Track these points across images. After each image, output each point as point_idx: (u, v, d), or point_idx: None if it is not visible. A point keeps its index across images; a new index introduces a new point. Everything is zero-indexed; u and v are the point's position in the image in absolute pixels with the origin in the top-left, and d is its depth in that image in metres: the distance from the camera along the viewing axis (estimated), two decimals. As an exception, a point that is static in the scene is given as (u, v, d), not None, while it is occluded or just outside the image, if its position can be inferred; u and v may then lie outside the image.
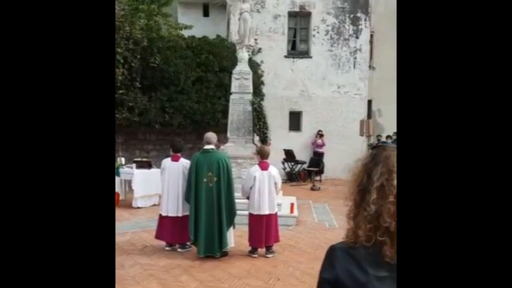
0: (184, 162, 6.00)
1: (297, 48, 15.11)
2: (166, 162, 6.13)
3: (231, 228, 5.70)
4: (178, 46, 12.25)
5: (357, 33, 14.80)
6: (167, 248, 6.00)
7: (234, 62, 11.10)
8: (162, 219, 6.02)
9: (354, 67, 14.79)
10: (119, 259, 5.37)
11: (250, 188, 5.75)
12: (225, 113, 10.89)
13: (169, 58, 11.85)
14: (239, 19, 9.29)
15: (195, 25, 14.73)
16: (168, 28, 13.21)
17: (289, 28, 14.88)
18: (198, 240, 5.55)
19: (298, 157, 13.52)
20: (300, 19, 14.99)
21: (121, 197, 9.12)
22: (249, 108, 8.61)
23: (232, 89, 8.71)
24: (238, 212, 5.86)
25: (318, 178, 13.05)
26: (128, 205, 8.80)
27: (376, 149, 1.32)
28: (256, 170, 5.80)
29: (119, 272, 4.79)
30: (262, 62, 14.05)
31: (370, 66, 15.46)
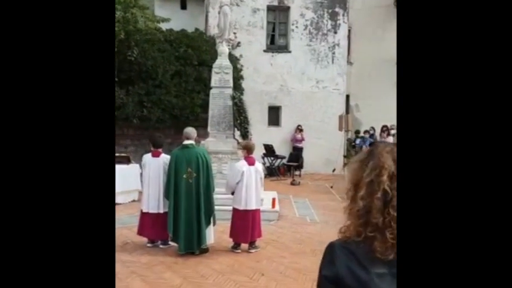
0: (165, 158, 5.91)
1: (276, 42, 15.10)
2: (147, 158, 6.03)
3: (211, 225, 5.64)
4: (156, 39, 12.04)
5: (335, 28, 14.90)
6: (149, 245, 5.92)
7: (213, 55, 10.99)
8: (143, 215, 5.93)
9: (333, 62, 14.90)
10: (99, 257, 5.25)
11: (237, 183, 5.71)
12: (204, 107, 10.79)
13: (147, 51, 11.63)
14: (219, 12, 9.20)
15: (172, 18, 14.47)
16: (145, 21, 12.93)
17: (268, 22, 14.84)
18: (178, 237, 5.48)
19: (277, 152, 13.56)
20: (278, 13, 14.97)
21: (99, 193, 8.90)
22: (230, 102, 8.55)
23: (213, 83, 8.62)
24: (219, 208, 5.82)
25: (297, 173, 13.14)
26: (106, 201, 8.60)
27: (372, 145, 1.35)
28: (243, 165, 5.77)
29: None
30: (241, 56, 13.98)
31: (348, 62, 15.61)
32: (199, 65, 12.20)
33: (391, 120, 14.64)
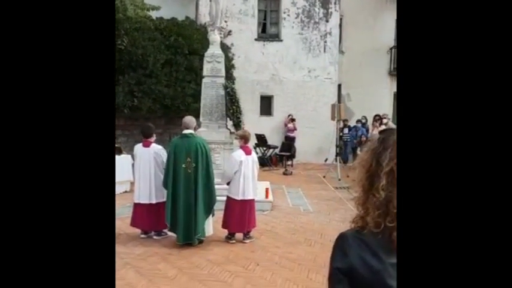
0: (156, 148, 5.83)
1: (268, 31, 14.97)
2: (138, 148, 5.95)
3: (210, 216, 5.60)
4: (146, 28, 11.81)
5: (327, 17, 14.81)
6: (142, 236, 5.86)
7: (204, 44, 10.83)
8: (135, 206, 5.87)
9: (324, 51, 14.83)
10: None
11: (235, 173, 5.66)
12: (195, 97, 10.67)
13: (137, 40, 11.42)
14: (210, 0, 9.05)
15: (162, 6, 14.23)
16: (135, 9, 12.70)
17: (259, 10, 14.69)
18: (176, 227, 5.43)
19: (269, 142, 13.52)
20: (270, 1, 14.82)
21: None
22: (222, 92, 8.47)
23: (204, 73, 8.51)
24: (212, 198, 5.77)
25: (289, 163, 13.13)
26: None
27: (385, 133, 1.28)
28: (241, 154, 5.71)
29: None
30: (232, 45, 13.84)
31: (339, 51, 15.55)
32: (190, 54, 12.03)
33: (383, 109, 14.71)
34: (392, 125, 10.90)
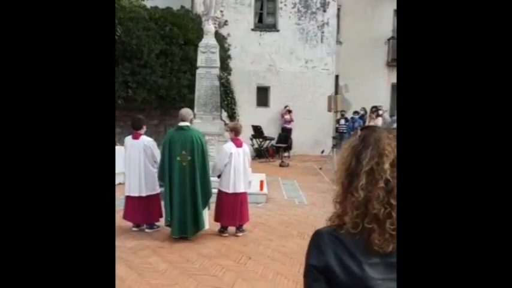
0: (146, 140, 5.75)
1: (264, 21, 14.79)
2: (128, 140, 5.87)
3: (206, 209, 5.53)
4: (141, 17, 11.64)
5: (324, 7, 14.63)
6: (134, 229, 5.81)
7: (199, 34, 10.68)
8: (127, 199, 5.81)
9: (322, 41, 14.68)
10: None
11: (225, 165, 5.59)
12: (191, 88, 10.55)
13: (132, 30, 11.26)
14: (205, -11, 8.89)
15: (157, -5, 14.07)
16: (129, -2, 12.52)
17: (256, 0, 14.49)
18: (172, 220, 5.37)
19: (266, 133, 13.44)
20: (266, -10, 14.63)
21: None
22: (216, 83, 8.37)
23: (199, 63, 8.40)
24: (206, 191, 5.70)
25: (286, 154, 13.06)
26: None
27: (366, 130, 1.22)
28: (231, 146, 5.63)
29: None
30: (228, 35, 13.67)
31: (337, 41, 15.40)
32: (186, 44, 11.89)
33: (381, 100, 14.61)
34: (387, 117, 10.84)
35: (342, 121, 13.46)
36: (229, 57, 13.08)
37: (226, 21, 13.83)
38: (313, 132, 14.07)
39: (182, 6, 13.31)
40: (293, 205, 7.48)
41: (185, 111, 5.56)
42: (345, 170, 1.17)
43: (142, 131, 5.87)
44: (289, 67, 14.53)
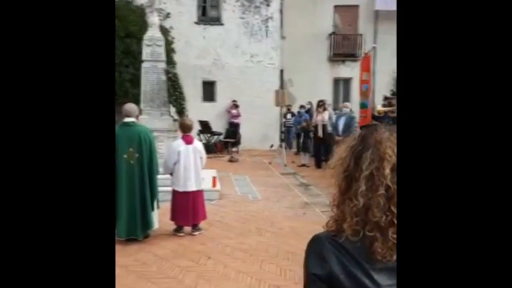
0: None
1: (208, 14, 14.53)
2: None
3: (156, 208, 5.29)
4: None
5: (267, 1, 14.66)
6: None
7: (141, 26, 10.23)
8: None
9: (267, 36, 14.71)
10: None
11: (174, 163, 5.37)
12: (133, 82, 10.09)
13: (67, 21, 10.53)
14: (147, -21, 8.52)
15: (94, -15, 13.30)
16: (63, -14, 11.69)
17: (198, -8, 14.20)
18: (118, 221, 5.05)
19: (213, 128, 13.25)
20: (209, -17, 14.38)
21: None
22: (163, 77, 8.05)
23: (144, 57, 8.03)
24: (160, 189, 5.45)
25: (235, 149, 12.97)
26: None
27: (366, 129, 1.13)
28: (180, 144, 5.42)
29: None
30: (171, 28, 13.25)
31: (281, 36, 15.50)
32: (127, 36, 11.34)
33: (324, 95, 14.93)
34: (332, 112, 11.08)
35: (289, 116, 13.59)
36: (173, 50, 12.69)
37: (168, 13, 13.39)
38: (261, 126, 14.09)
39: (122, -3, 12.68)
40: (247, 201, 7.40)
41: (130, 106, 5.28)
42: (343, 172, 1.08)
43: None
44: (235, 61, 14.41)
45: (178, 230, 5.49)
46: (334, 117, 10.44)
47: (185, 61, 13.26)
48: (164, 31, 11.84)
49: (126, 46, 11.28)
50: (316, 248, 1.08)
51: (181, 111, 8.31)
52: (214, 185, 7.42)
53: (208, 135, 13.04)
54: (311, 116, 11.99)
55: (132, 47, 10.97)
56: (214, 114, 13.95)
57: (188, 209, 5.41)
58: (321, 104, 10.38)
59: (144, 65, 8.01)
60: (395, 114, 6.47)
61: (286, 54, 15.89)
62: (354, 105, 10.41)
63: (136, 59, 10.35)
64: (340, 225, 1.06)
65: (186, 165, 5.37)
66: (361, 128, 1.18)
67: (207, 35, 14.17)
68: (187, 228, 5.53)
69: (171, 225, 5.55)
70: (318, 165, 10.65)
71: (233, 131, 13.51)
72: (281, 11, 15.44)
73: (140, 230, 5.11)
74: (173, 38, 13.10)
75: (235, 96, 14.17)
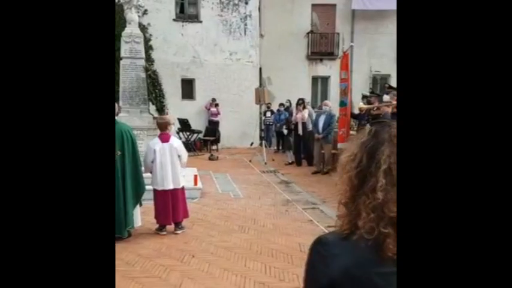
0: None
1: (186, 11, 14.40)
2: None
3: (138, 206, 5.23)
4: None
5: (246, -1, 14.64)
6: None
7: (118, 23, 10.04)
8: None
9: (245, 34, 14.69)
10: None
11: (152, 162, 5.33)
12: (112, 80, 9.89)
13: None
14: (125, -25, 8.36)
15: (68, -20, 12.97)
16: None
17: (176, -11, 14.05)
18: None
19: (193, 126, 13.15)
20: (187, -20, 14.24)
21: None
22: (143, 75, 7.96)
23: (122, 54, 7.90)
24: (142, 187, 5.40)
25: (214, 147, 12.92)
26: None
27: (378, 125, 1.11)
28: (156, 142, 5.37)
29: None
30: (149, 24, 13.10)
31: (260, 34, 15.52)
32: (104, 33, 11.11)
33: (302, 93, 15.01)
34: (311, 110, 11.17)
35: (268, 113, 13.62)
36: (151, 47, 12.55)
37: (146, 10, 13.20)
38: (240, 124, 14.08)
39: (98, -7, 12.43)
40: (229, 199, 7.40)
41: None
42: (355, 168, 1.05)
43: None
44: (214, 59, 14.34)
45: (161, 229, 5.44)
46: (314, 115, 10.54)
47: (163, 58, 13.13)
48: (142, 28, 11.67)
49: (103, 43, 11.05)
50: (320, 252, 1.04)
51: (161, 109, 8.24)
52: (195, 183, 7.38)
53: (188, 133, 12.95)
54: (290, 114, 12.05)
55: (110, 44, 10.76)
56: (193, 112, 13.85)
57: (168, 208, 5.36)
58: (301, 103, 10.45)
59: (122, 62, 7.88)
60: (377, 112, 6.59)
61: (265, 52, 15.93)
62: (332, 103, 10.52)
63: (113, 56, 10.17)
64: (354, 224, 1.02)
65: (163, 163, 5.33)
66: (371, 124, 1.17)
67: (185, 32, 14.05)
68: (170, 227, 5.49)
69: (154, 225, 5.50)
70: (298, 163, 10.73)
71: (213, 129, 13.45)
72: (259, 9, 15.45)
73: (124, 229, 5.05)
74: (151, 35, 12.95)
75: (214, 94, 14.11)
